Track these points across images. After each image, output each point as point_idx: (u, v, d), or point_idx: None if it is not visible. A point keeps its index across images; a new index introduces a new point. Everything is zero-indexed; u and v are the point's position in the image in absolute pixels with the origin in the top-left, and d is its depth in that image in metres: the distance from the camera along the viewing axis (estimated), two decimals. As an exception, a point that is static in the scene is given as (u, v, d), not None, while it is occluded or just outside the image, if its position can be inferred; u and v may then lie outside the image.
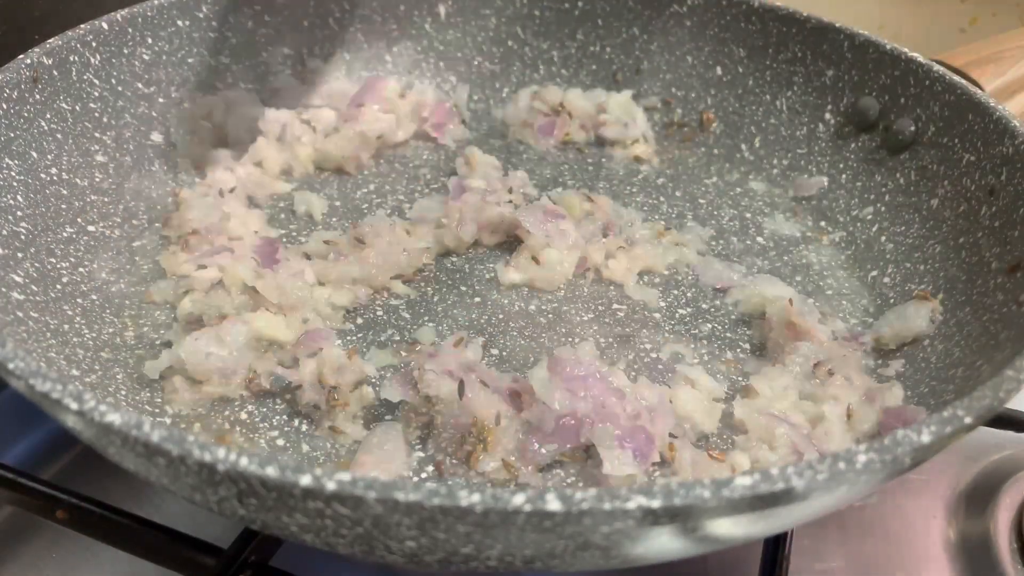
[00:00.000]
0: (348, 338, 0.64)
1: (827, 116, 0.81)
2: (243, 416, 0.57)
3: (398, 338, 0.64)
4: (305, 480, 0.33)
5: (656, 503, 0.33)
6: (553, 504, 0.32)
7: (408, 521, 0.33)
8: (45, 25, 0.73)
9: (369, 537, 0.36)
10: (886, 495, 0.65)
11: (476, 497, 0.32)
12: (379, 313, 0.66)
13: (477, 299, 0.68)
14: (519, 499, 0.32)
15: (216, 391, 0.57)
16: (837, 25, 0.78)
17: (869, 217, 0.76)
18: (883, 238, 0.73)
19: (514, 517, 0.33)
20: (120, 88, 0.71)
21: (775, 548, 0.54)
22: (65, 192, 0.64)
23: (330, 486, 0.33)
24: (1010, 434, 0.68)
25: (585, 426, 0.53)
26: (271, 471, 0.33)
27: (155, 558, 0.51)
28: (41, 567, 0.58)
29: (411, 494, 0.32)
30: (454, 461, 0.54)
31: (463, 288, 0.69)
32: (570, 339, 0.64)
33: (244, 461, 0.33)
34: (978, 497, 0.65)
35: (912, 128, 0.73)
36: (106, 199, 0.68)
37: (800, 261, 0.75)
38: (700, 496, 0.33)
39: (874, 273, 0.72)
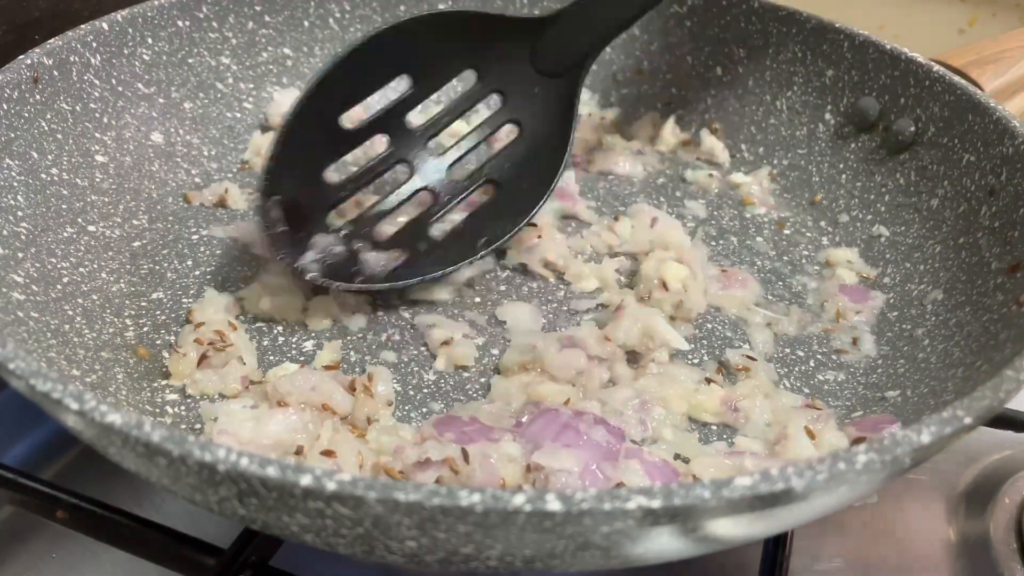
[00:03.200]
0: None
1: (827, 116, 0.81)
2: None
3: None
4: (305, 480, 0.33)
5: (656, 503, 0.33)
6: (553, 504, 0.32)
7: (408, 521, 0.33)
8: (45, 25, 0.73)
9: (369, 537, 0.36)
10: (886, 495, 0.65)
11: (476, 497, 0.32)
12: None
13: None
14: (519, 499, 0.32)
15: None
16: (837, 25, 0.78)
17: (869, 217, 0.76)
18: (883, 238, 0.73)
19: (514, 517, 0.33)
20: (120, 88, 0.71)
21: (775, 548, 0.54)
22: (65, 192, 0.64)
23: (330, 486, 0.33)
24: (1010, 434, 0.68)
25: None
26: (271, 471, 0.33)
27: (155, 558, 0.51)
28: (41, 567, 0.58)
29: (411, 494, 0.32)
30: None
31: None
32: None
33: (244, 461, 0.33)
34: (978, 497, 0.65)
35: (912, 128, 0.73)
36: (106, 199, 0.68)
37: (799, 261, 0.75)
38: (700, 496, 0.33)
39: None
